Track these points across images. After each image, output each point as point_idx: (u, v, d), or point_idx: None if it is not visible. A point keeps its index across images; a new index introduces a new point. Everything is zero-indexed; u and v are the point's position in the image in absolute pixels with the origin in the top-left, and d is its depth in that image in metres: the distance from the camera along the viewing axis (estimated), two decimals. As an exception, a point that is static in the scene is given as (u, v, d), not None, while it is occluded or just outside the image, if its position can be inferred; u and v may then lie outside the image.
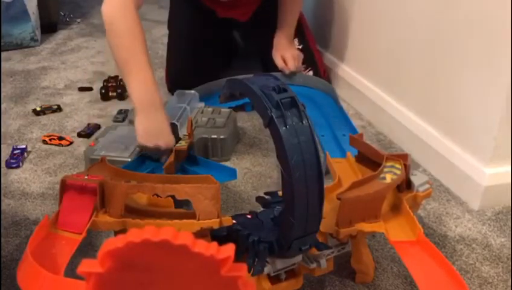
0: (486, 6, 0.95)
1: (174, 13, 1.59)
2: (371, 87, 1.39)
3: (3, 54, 1.91)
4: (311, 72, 1.51)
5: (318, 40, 1.62)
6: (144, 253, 0.43)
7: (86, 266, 0.43)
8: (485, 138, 1.00)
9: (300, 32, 1.53)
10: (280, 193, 0.77)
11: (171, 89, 1.50)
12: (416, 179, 0.80)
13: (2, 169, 1.17)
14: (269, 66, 1.48)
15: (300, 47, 1.52)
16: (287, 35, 1.49)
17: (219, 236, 0.72)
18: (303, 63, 1.49)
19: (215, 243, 0.43)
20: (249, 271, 0.68)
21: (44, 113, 1.44)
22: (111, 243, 0.42)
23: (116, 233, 0.73)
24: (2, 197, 1.06)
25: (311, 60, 1.53)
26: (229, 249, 0.43)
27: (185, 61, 1.50)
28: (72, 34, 2.19)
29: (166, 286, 0.46)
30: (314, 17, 1.69)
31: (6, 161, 1.19)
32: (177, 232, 0.42)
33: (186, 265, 0.44)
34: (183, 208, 0.77)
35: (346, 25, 1.51)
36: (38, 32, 2.03)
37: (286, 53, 1.46)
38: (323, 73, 1.55)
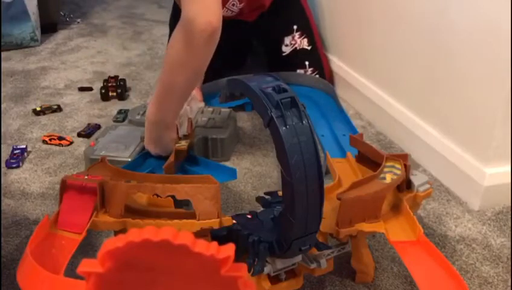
0: (486, 6, 0.95)
1: (177, 11, 1.57)
2: (371, 87, 1.39)
3: (3, 54, 1.91)
4: (317, 75, 1.51)
5: (318, 40, 1.62)
6: (144, 253, 0.43)
7: (86, 266, 0.43)
8: (485, 138, 1.00)
9: (309, 33, 1.52)
10: (280, 193, 0.77)
11: None
12: (416, 179, 0.80)
13: (2, 169, 1.17)
14: (273, 64, 1.48)
15: (309, 48, 1.52)
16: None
17: (219, 236, 0.72)
18: (310, 66, 1.49)
19: (215, 243, 0.43)
20: (249, 271, 0.68)
21: (44, 113, 1.44)
22: (111, 243, 0.42)
23: (116, 233, 0.73)
24: (2, 197, 1.06)
25: (317, 63, 1.52)
26: (229, 249, 0.43)
27: None
28: (72, 34, 2.18)
29: (166, 286, 0.46)
30: (316, 17, 1.69)
31: (6, 161, 1.19)
32: (177, 232, 0.42)
33: (186, 265, 0.44)
34: (183, 208, 0.77)
35: (346, 25, 1.51)
36: (38, 32, 2.03)
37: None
38: (329, 76, 1.54)
